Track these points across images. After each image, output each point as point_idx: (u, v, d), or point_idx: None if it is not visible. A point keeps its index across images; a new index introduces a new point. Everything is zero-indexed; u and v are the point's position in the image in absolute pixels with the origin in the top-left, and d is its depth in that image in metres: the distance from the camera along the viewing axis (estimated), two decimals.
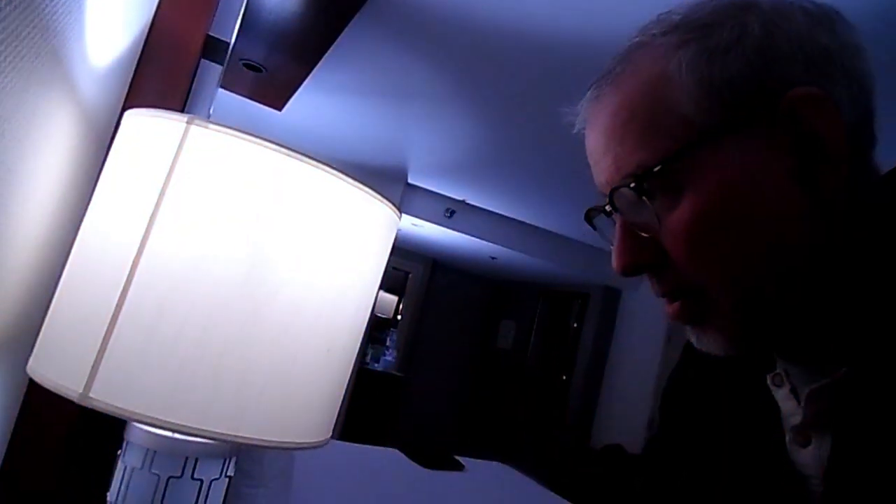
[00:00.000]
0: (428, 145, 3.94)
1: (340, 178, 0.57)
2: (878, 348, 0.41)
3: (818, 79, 0.43)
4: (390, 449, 2.99)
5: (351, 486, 2.18)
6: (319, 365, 0.58)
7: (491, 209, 5.24)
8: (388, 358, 6.63)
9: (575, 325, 6.66)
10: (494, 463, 3.26)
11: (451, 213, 5.10)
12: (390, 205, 0.64)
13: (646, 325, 5.87)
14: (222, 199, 0.52)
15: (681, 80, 0.44)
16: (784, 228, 0.43)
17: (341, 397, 0.65)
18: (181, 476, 0.59)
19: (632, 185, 0.45)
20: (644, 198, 0.45)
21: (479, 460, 3.18)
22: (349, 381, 0.66)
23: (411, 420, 7.28)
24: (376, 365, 6.45)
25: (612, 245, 0.51)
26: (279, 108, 3.26)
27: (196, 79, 0.99)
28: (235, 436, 0.52)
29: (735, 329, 0.46)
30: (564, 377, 6.51)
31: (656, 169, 0.44)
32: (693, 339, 0.50)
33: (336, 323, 0.59)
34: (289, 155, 0.54)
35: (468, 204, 5.14)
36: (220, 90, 2.62)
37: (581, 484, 5.11)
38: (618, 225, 0.50)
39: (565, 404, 6.35)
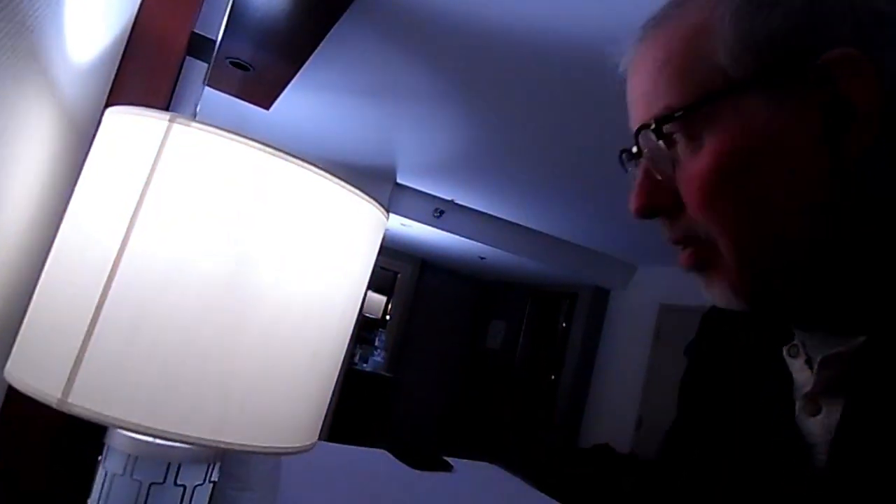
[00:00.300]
0: (417, 145, 3.92)
1: (326, 178, 0.56)
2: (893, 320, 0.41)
3: (865, 43, 0.42)
4: (379, 450, 2.98)
5: (339, 488, 2.17)
6: (305, 368, 0.57)
7: (480, 209, 5.23)
8: (377, 358, 6.61)
9: (564, 325, 6.67)
10: (483, 463, 3.26)
11: (439, 212, 5.09)
12: (377, 205, 0.63)
13: (634, 325, 5.90)
14: (205, 199, 0.51)
15: (722, 30, 0.44)
16: (799, 188, 0.43)
17: (328, 401, 0.64)
18: (163, 482, 0.57)
19: (653, 126, 0.46)
20: (661, 142, 0.46)
21: (467, 461, 3.18)
22: (337, 381, 0.65)
23: (400, 420, 7.27)
24: (365, 365, 6.43)
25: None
26: (267, 107, 3.24)
27: (181, 77, 0.98)
28: (219, 441, 0.50)
29: (740, 281, 0.46)
30: (553, 377, 6.52)
31: (678, 114, 0.45)
32: (703, 291, 0.50)
33: (323, 325, 0.58)
34: (273, 154, 0.53)
35: (457, 204, 5.14)
36: (207, 88, 2.60)
37: (569, 483, 5.12)
38: (640, 167, 0.50)
39: (554, 404, 6.37)
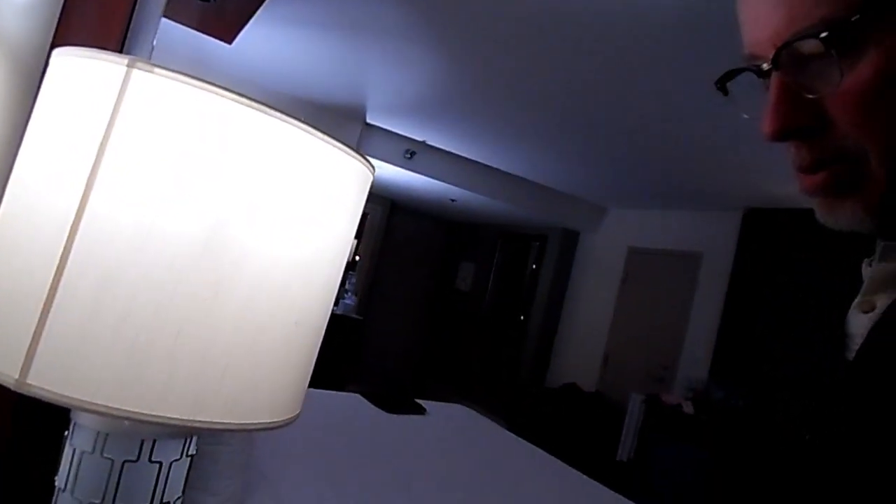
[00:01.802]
0: (387, 83, 3.79)
1: (311, 134, 0.50)
2: None
3: None
4: (353, 394, 3.00)
5: (315, 433, 2.17)
6: (287, 339, 0.53)
7: (451, 150, 5.14)
8: (348, 301, 6.60)
9: (533, 266, 6.73)
10: (455, 405, 3.31)
11: (410, 154, 4.99)
12: (363, 160, 0.58)
13: (602, 266, 5.97)
14: (175, 156, 0.45)
15: None
16: None
17: (311, 370, 0.60)
18: (137, 459, 0.54)
19: (823, 35, 0.41)
20: (831, 50, 0.42)
21: (440, 403, 3.23)
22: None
23: (371, 363, 7.35)
24: (335, 308, 6.42)
25: (748, 110, 0.50)
26: (229, 41, 3.06)
27: (136, 9, 0.89)
28: (195, 421, 0.47)
29: (882, 199, 0.44)
30: (522, 318, 6.61)
31: (854, 18, 0.41)
32: (822, 214, 0.47)
33: (305, 293, 0.54)
34: (251, 106, 0.47)
35: (428, 145, 5.03)
36: (165, 21, 2.43)
37: (537, 422, 5.28)
38: (775, 85, 0.45)
39: (523, 345, 6.48)
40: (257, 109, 0.48)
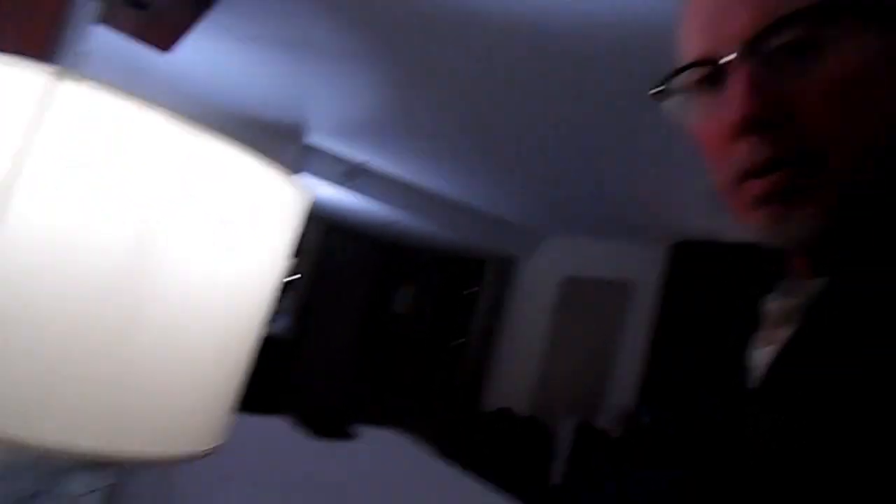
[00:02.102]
0: (329, 104, 3.77)
1: (241, 154, 0.49)
2: (867, 255, 0.42)
3: None
4: (281, 418, 2.91)
5: (240, 459, 2.09)
6: (211, 364, 0.51)
7: (392, 173, 5.14)
8: (281, 322, 6.44)
9: (471, 291, 6.77)
10: (388, 431, 3.27)
11: (350, 175, 4.96)
12: (296, 184, 0.57)
13: (538, 293, 6.07)
14: (94, 171, 0.43)
15: None
16: None
17: (237, 396, 0.58)
18: (48, 491, 0.50)
19: (796, 26, 0.41)
20: (806, 43, 0.42)
21: (373, 428, 3.18)
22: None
23: (304, 386, 7.17)
24: (268, 328, 6.26)
25: (686, 118, 0.49)
26: (166, 51, 2.98)
27: (66, 15, 0.85)
28: (109, 452, 0.44)
29: (839, 205, 0.43)
30: (459, 342, 6.62)
31: (828, 11, 0.41)
32: (767, 224, 0.45)
33: (231, 316, 0.52)
34: (180, 123, 0.46)
35: (368, 167, 5.02)
36: (101, 27, 2.34)
37: (471, 447, 5.27)
38: (743, 77, 0.44)
39: (459, 369, 6.49)
40: (184, 125, 0.46)
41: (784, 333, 0.48)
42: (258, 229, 0.53)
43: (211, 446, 0.54)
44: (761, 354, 0.50)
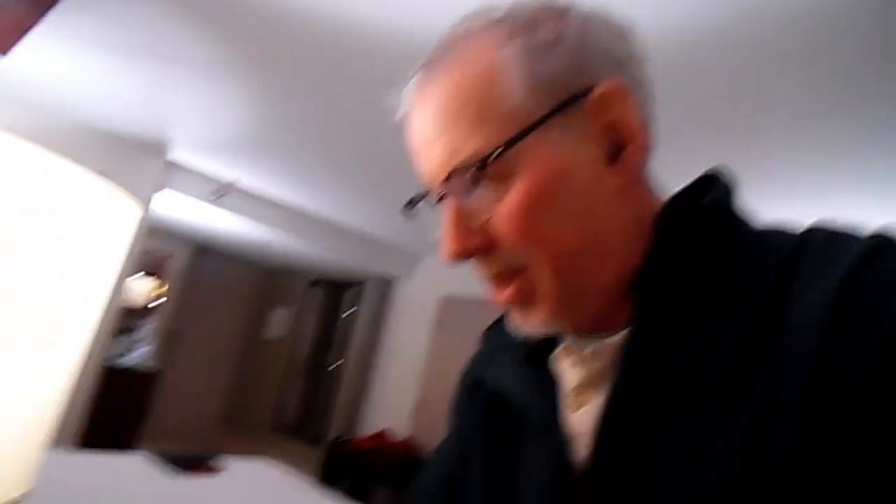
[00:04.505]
0: (194, 119, 3.57)
1: (68, 166, 0.43)
2: (657, 313, 0.46)
3: (624, 78, 0.49)
4: (140, 454, 2.68)
5: (93, 502, 1.89)
6: (19, 396, 0.44)
7: (263, 191, 4.97)
8: (141, 351, 5.97)
9: (349, 313, 6.67)
10: (256, 461, 3.11)
11: (220, 194, 4.73)
12: (120, 189, 0.51)
13: (416, 314, 6.09)
14: None
15: (511, 71, 0.47)
16: (597, 207, 0.48)
17: (44, 441, 0.51)
18: None
19: (473, 168, 0.47)
20: (481, 182, 0.47)
21: (240, 459, 3.01)
22: (89, 382, 0.52)
23: (170, 418, 6.69)
24: (125, 359, 5.77)
25: (435, 231, 0.53)
26: (3, 52, 2.70)
27: None
28: None
29: (560, 304, 0.49)
30: (336, 365, 6.48)
31: (493, 155, 0.46)
32: (518, 324, 0.52)
33: (50, 341, 0.46)
34: None
35: (238, 185, 4.82)
36: None
37: (347, 470, 5.14)
38: (448, 212, 0.51)
39: (337, 393, 6.34)
40: None
41: (597, 394, 0.50)
42: (85, 246, 0.47)
43: (12, 497, 0.47)
44: (579, 419, 0.51)
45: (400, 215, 4.71)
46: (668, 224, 0.49)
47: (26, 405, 0.47)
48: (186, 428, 6.88)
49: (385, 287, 6.45)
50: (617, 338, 0.49)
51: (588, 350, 0.51)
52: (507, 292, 0.50)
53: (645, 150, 0.49)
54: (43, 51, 2.86)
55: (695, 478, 0.40)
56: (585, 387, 0.51)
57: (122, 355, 5.76)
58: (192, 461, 2.67)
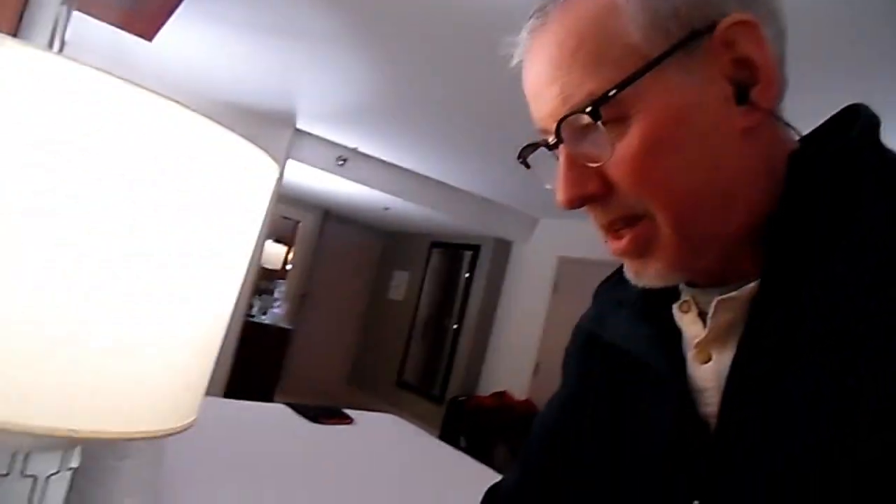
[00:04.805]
0: (319, 89, 3.74)
1: (198, 116, 0.48)
2: (788, 262, 0.44)
3: (749, 12, 0.46)
4: (278, 404, 2.92)
5: (235, 445, 2.10)
6: (180, 340, 0.50)
7: (385, 158, 5.12)
8: (276, 310, 6.44)
9: (467, 275, 6.77)
10: (383, 414, 3.28)
11: (343, 160, 4.93)
12: (261, 151, 0.56)
13: (534, 276, 6.07)
14: (44, 141, 0.42)
15: (628, 9, 0.45)
16: (722, 150, 0.46)
17: (208, 373, 0.57)
18: (7, 474, 0.50)
19: (588, 111, 0.45)
20: (599, 123, 0.45)
21: (368, 412, 3.18)
22: (234, 335, 0.58)
23: (301, 374, 7.19)
24: (264, 318, 6.25)
25: (549, 180, 0.53)
26: (149, 38, 2.94)
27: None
28: (67, 430, 0.43)
29: (680, 251, 0.47)
30: (455, 327, 6.63)
31: (611, 93, 0.45)
32: (633, 276, 0.51)
33: (205, 292, 0.51)
34: (127, 85, 0.45)
35: (361, 152, 4.99)
36: (80, 15, 2.31)
37: (468, 429, 5.29)
38: (562, 157, 0.49)
39: (455, 354, 6.50)
40: (144, 94, 0.45)
41: (721, 349, 0.49)
42: (230, 203, 0.52)
43: (178, 425, 0.53)
44: (704, 373, 0.50)
45: (517, 178, 4.68)
46: (799, 169, 0.46)
47: (198, 329, 0.52)
48: (316, 383, 7.38)
49: (502, 250, 6.47)
50: (744, 292, 0.47)
51: (713, 304, 0.49)
52: (623, 242, 0.49)
53: (776, 89, 0.46)
54: (180, 34, 3.08)
55: (821, 431, 0.39)
56: (711, 341, 0.50)
57: (262, 313, 6.25)
58: (325, 412, 2.87)
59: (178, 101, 0.47)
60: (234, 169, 0.53)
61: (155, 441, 1.28)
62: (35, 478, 0.51)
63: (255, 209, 0.57)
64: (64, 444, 0.53)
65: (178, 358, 0.51)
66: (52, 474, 0.52)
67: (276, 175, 0.60)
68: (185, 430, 0.54)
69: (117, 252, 0.45)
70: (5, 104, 0.42)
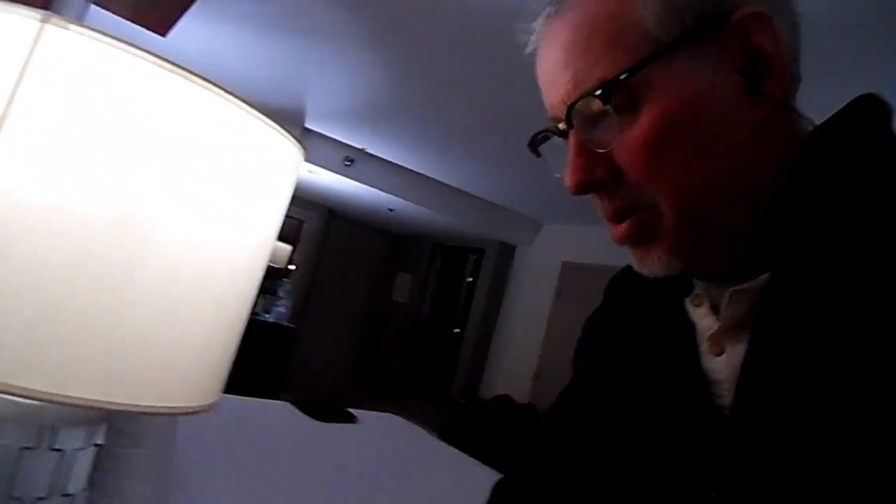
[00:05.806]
0: (328, 89, 3.75)
1: (237, 106, 0.49)
2: (800, 254, 0.43)
3: (764, 5, 0.46)
4: (281, 402, 2.92)
5: (240, 441, 2.10)
6: (207, 322, 0.51)
7: (391, 160, 5.13)
8: (280, 309, 6.43)
9: (470, 279, 6.77)
10: (386, 414, 3.28)
11: (349, 161, 4.95)
12: (293, 139, 0.57)
13: (537, 280, 6.07)
14: (88, 123, 0.43)
15: None
16: (732, 140, 0.46)
17: (232, 355, 0.58)
18: (36, 447, 0.50)
19: (598, 93, 0.45)
20: (608, 107, 0.45)
21: (371, 412, 3.19)
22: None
23: (304, 372, 7.20)
24: (267, 316, 6.25)
25: (559, 169, 0.52)
26: (163, 34, 2.96)
27: None
28: (103, 402, 0.44)
29: (682, 243, 0.47)
30: (458, 330, 6.63)
31: (622, 77, 0.45)
32: (636, 263, 0.51)
33: (228, 273, 0.52)
34: (176, 72, 0.46)
35: (367, 153, 5.01)
36: (94, 8, 2.33)
37: (469, 432, 5.29)
38: (572, 143, 0.49)
39: (458, 356, 6.50)
40: (181, 76, 0.46)
41: (735, 341, 0.48)
42: (255, 188, 0.53)
43: (202, 403, 0.54)
44: (717, 365, 0.50)
45: (522, 182, 4.67)
46: (809, 163, 0.46)
47: (216, 326, 0.53)
48: (319, 382, 7.38)
49: (505, 254, 6.48)
50: (757, 283, 0.46)
51: (725, 297, 0.49)
52: (624, 226, 0.49)
53: (789, 81, 0.46)
54: (194, 29, 3.10)
55: (836, 421, 0.38)
56: (724, 333, 0.50)
57: (265, 312, 6.25)
58: (329, 410, 2.87)
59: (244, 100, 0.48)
60: (274, 162, 0.54)
61: (167, 429, 1.29)
62: (63, 452, 0.52)
63: (285, 199, 0.58)
64: (92, 417, 0.53)
65: (208, 343, 0.52)
66: (79, 449, 0.53)
67: (302, 159, 0.61)
68: (210, 409, 0.55)
69: (160, 233, 0.46)
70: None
